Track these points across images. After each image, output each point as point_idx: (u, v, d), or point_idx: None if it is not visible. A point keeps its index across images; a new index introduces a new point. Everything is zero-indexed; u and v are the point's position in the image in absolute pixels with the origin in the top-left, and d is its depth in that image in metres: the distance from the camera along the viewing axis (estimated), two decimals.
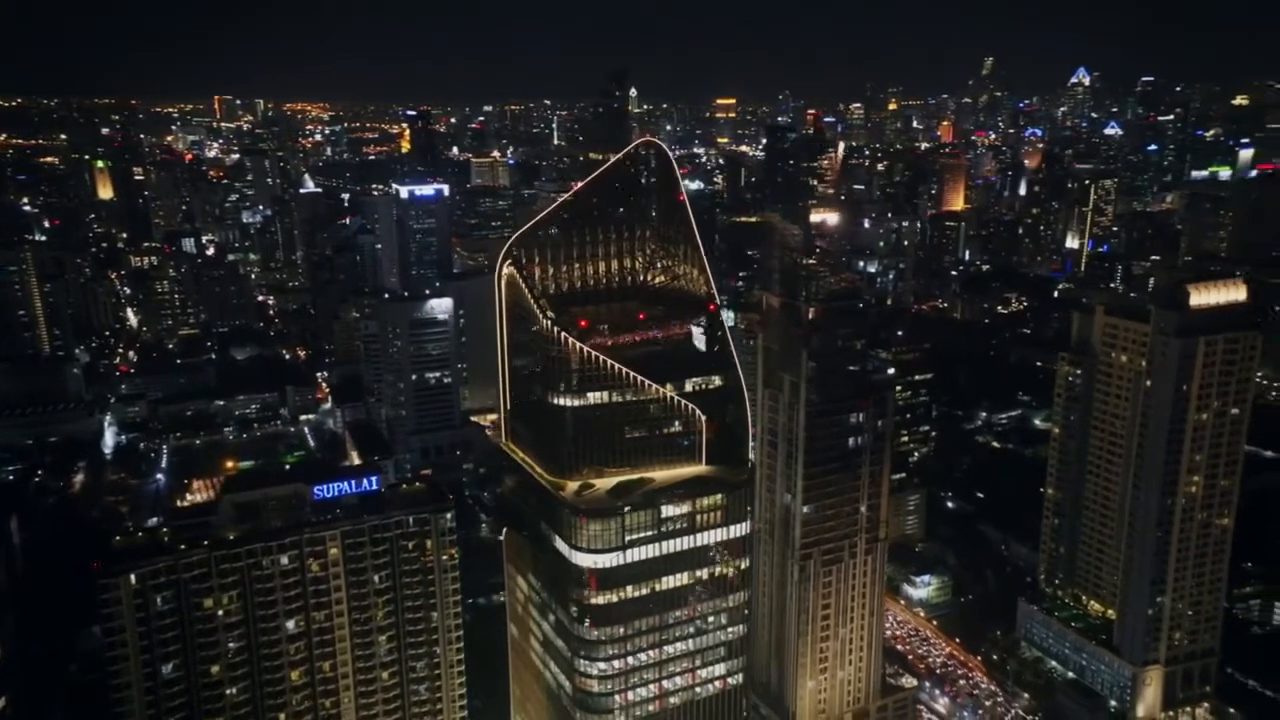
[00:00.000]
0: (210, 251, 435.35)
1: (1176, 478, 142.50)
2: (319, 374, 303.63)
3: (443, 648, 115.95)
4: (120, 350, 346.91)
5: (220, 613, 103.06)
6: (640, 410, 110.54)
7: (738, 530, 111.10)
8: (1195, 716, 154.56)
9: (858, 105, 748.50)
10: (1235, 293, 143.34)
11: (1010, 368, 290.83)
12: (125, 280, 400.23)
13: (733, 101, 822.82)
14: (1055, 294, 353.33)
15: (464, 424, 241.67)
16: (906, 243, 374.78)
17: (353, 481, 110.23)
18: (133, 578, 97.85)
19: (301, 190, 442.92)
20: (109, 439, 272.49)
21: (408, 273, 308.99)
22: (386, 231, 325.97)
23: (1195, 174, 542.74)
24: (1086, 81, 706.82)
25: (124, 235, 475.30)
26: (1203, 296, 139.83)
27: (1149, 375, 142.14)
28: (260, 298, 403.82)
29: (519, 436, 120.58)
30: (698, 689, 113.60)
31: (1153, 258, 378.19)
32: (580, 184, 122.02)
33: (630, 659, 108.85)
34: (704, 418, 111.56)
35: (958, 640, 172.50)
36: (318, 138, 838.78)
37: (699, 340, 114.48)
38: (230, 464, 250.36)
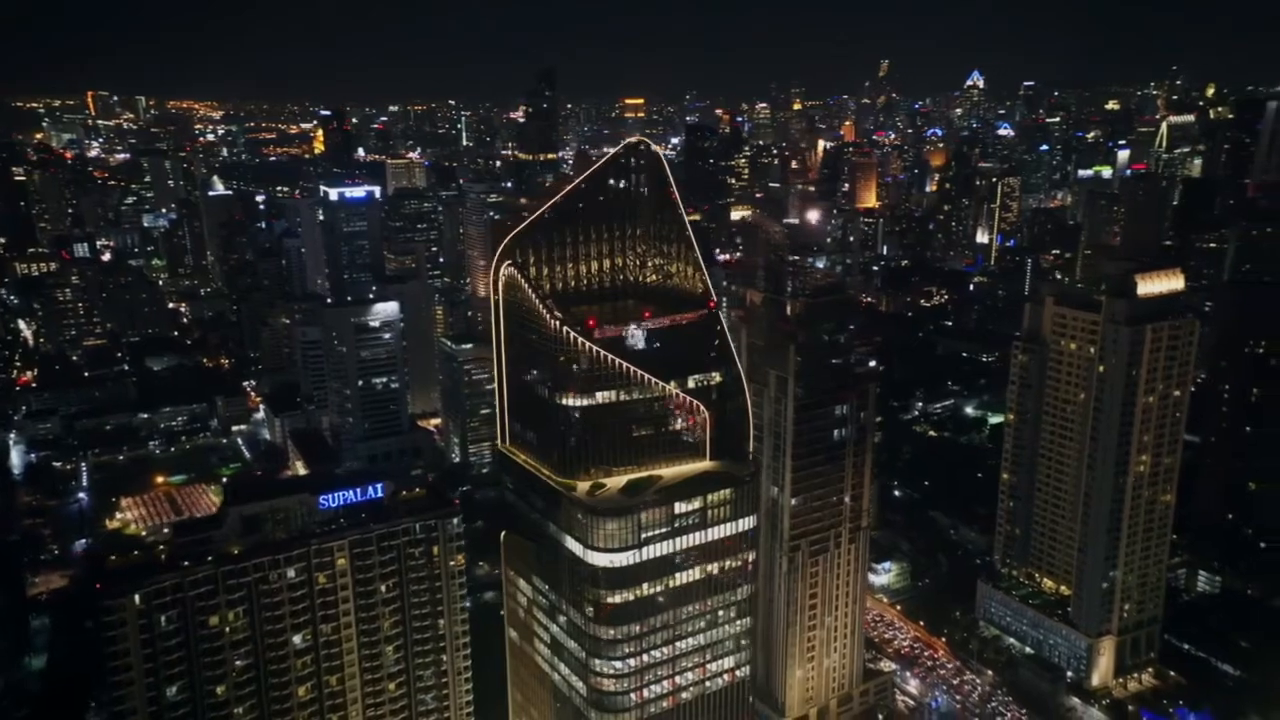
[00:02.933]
0: (107, 257, 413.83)
1: (1128, 458, 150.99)
2: (247, 383, 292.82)
3: (450, 655, 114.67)
4: (17, 364, 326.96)
5: (226, 630, 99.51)
6: (646, 408, 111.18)
7: (745, 524, 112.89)
8: (1142, 681, 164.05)
9: (764, 105, 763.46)
10: (1175, 282, 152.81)
11: (938, 359, 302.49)
12: (13, 289, 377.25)
13: (641, 101, 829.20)
14: (971, 287, 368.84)
15: (411, 429, 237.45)
16: (852, 239, 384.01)
17: (358, 489, 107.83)
18: (137, 598, 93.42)
19: (210, 193, 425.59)
20: (16, 458, 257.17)
21: (340, 277, 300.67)
22: (312, 235, 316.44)
23: (1081, 173, 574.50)
24: (981, 84, 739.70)
25: (2, 241, 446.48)
26: (1149, 286, 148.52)
27: (1101, 361, 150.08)
28: (171, 305, 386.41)
29: (519, 439, 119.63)
30: (707, 683, 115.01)
31: (1054, 251, 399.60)
32: (572, 184, 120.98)
33: (645, 656, 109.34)
34: (707, 413, 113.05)
35: (921, 623, 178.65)
36: (211, 137, 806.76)
37: (700, 336, 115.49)
38: (161, 479, 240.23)
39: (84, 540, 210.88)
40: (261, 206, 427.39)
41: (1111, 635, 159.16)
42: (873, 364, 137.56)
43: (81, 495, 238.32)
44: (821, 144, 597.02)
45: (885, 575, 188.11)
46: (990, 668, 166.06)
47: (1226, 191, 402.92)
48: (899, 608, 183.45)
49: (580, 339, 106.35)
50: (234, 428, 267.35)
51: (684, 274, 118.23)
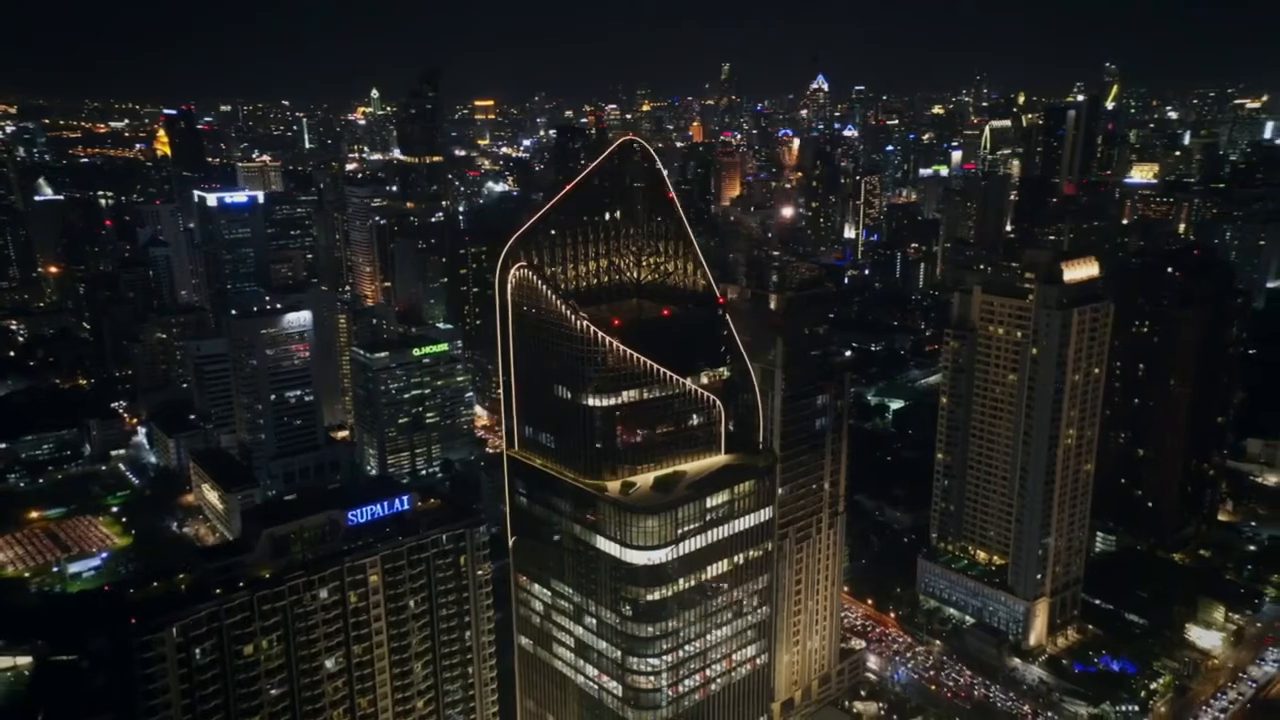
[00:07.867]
0: None
1: (1058, 432, 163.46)
2: (116, 404, 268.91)
3: (476, 667, 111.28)
4: None
5: (261, 659, 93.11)
6: (666, 405, 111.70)
7: (765, 514, 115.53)
8: (1068, 636, 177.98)
9: (613, 106, 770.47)
10: (1091, 269, 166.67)
11: None
12: None
13: (492, 103, 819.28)
14: (845, 280, 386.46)
15: (328, 442, 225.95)
16: (771, 234, 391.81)
17: (386, 503, 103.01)
18: (174, 630, 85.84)
19: (38, 198, 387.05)
20: None
21: (223, 288, 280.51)
22: (178, 244, 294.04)
23: (922, 171, 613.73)
24: (826, 88, 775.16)
25: None
26: (1072, 273, 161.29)
27: (1034, 344, 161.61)
28: None
29: (532, 443, 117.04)
30: (733, 673, 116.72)
31: (913, 244, 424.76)
32: (570, 185, 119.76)
33: (680, 651, 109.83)
34: (721, 408, 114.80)
35: (869, 601, 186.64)
36: None
37: (709, 332, 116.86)
38: (35, 514, 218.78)
39: None
40: (105, 213, 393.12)
41: (1045, 597, 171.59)
42: (848, 353, 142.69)
43: None
44: (796, 142, 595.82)
45: None
46: (937, 638, 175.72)
47: (1050, 190, 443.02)
48: (846, 589, 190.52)
49: (607, 339, 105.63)
50: (113, 452, 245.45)
51: (684, 271, 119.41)
